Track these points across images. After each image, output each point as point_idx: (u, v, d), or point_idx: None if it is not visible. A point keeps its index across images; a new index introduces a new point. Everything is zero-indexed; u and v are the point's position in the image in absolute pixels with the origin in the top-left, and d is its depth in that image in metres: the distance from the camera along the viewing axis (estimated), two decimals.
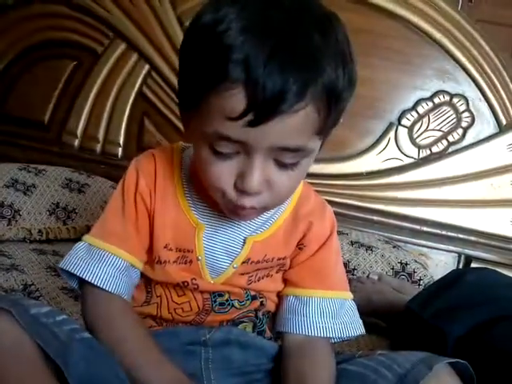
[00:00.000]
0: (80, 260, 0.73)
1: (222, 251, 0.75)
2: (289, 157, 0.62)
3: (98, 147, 1.86)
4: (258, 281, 0.79)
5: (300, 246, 0.78)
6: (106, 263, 0.73)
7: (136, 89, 1.85)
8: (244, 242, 0.75)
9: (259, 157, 0.61)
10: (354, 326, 0.79)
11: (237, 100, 0.57)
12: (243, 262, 0.75)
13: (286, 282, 0.81)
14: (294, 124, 0.59)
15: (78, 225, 1.47)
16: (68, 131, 1.86)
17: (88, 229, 1.42)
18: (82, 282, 0.74)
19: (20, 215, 1.40)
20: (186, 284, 0.76)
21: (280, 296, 0.82)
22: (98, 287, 0.72)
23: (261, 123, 0.57)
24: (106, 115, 1.85)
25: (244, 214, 0.68)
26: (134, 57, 1.83)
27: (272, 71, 0.55)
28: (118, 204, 0.75)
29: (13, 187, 1.45)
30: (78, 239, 1.41)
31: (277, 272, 0.80)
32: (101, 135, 1.86)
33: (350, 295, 0.81)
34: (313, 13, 0.60)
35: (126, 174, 0.76)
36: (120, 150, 1.85)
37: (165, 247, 0.75)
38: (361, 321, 0.80)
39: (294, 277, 0.80)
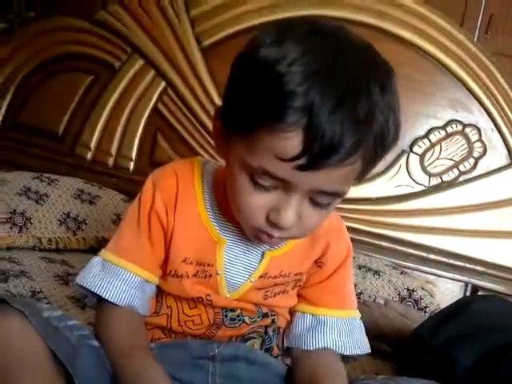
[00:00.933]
0: (94, 276, 0.74)
1: (241, 265, 0.76)
2: (325, 199, 0.64)
3: (111, 161, 1.87)
4: (274, 296, 0.79)
5: (319, 263, 0.80)
6: (120, 279, 0.73)
7: (151, 105, 1.86)
8: (262, 257, 0.76)
9: (298, 195, 0.62)
10: (364, 344, 0.81)
11: (292, 143, 0.57)
12: (260, 277, 0.76)
13: (301, 299, 0.82)
14: (342, 174, 0.60)
15: (88, 236, 1.48)
16: (81, 143, 1.88)
17: (97, 240, 1.46)
18: (99, 298, 0.75)
19: (31, 223, 1.41)
20: (200, 299, 0.76)
21: (294, 313, 0.82)
22: (112, 303, 0.73)
23: (311, 169, 0.58)
24: (120, 129, 1.87)
25: (267, 241, 0.69)
26: (151, 73, 1.85)
27: (334, 122, 0.55)
28: (134, 219, 0.75)
29: (25, 195, 1.46)
30: (88, 250, 1.45)
31: (292, 288, 0.81)
32: (114, 149, 1.87)
33: (359, 314, 0.83)
34: (375, 65, 0.62)
35: (143, 189, 0.76)
36: (132, 164, 1.86)
37: (183, 261, 0.75)
38: (367, 339, 0.83)
39: (312, 296, 0.81)
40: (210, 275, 0.75)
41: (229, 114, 0.65)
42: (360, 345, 0.80)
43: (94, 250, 1.48)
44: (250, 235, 0.70)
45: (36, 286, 1.13)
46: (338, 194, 0.64)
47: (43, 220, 1.43)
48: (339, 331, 0.79)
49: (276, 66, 0.56)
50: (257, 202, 0.63)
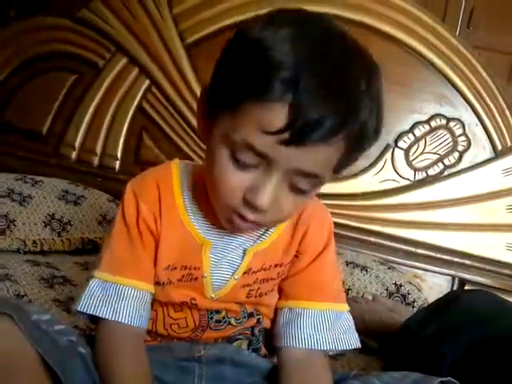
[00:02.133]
0: (98, 300, 0.72)
1: (225, 264, 0.75)
2: (304, 183, 0.63)
3: (96, 160, 1.86)
4: (260, 296, 0.78)
5: (296, 254, 0.78)
6: (125, 297, 0.72)
7: (136, 103, 1.85)
8: (244, 254, 0.75)
9: (277, 176, 0.61)
10: (349, 339, 0.77)
11: (277, 115, 0.57)
12: (244, 273, 0.75)
13: (280, 293, 0.80)
14: (323, 155, 0.60)
15: (73, 237, 1.46)
16: (66, 143, 1.86)
17: (83, 241, 1.45)
18: (99, 321, 0.72)
19: (15, 225, 1.39)
20: (185, 303, 0.75)
21: (276, 310, 0.81)
22: (118, 322, 0.71)
23: (294, 144, 0.58)
24: (104, 128, 1.86)
25: (240, 227, 0.67)
26: (135, 71, 1.84)
27: (319, 98, 0.56)
28: (123, 233, 0.74)
29: (9, 197, 1.44)
30: (73, 251, 1.44)
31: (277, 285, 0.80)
32: (99, 148, 1.86)
33: (347, 307, 0.79)
34: (363, 59, 0.62)
35: (124, 201, 0.75)
36: (117, 163, 1.86)
37: (166, 268, 0.74)
38: (357, 334, 0.79)
39: (288, 288, 0.79)
40: (196, 278, 0.75)
41: (216, 91, 0.64)
42: (344, 340, 0.76)
43: (79, 251, 1.47)
44: (223, 219, 0.68)
45: (20, 289, 1.11)
46: (316, 177, 0.63)
47: (27, 222, 1.42)
48: (317, 324, 0.75)
49: (265, 42, 0.58)
50: (235, 180, 0.62)
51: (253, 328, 0.81)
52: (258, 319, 0.80)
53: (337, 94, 0.57)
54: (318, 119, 0.56)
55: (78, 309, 0.72)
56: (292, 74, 0.56)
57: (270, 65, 0.56)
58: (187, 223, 0.74)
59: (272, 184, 0.61)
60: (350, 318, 0.79)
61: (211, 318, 0.77)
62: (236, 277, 0.75)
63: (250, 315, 0.79)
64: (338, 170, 0.66)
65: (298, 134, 0.57)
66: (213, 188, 0.66)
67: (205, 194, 0.70)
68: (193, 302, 0.75)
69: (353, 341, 0.78)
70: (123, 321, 0.71)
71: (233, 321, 0.78)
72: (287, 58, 0.56)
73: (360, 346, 0.78)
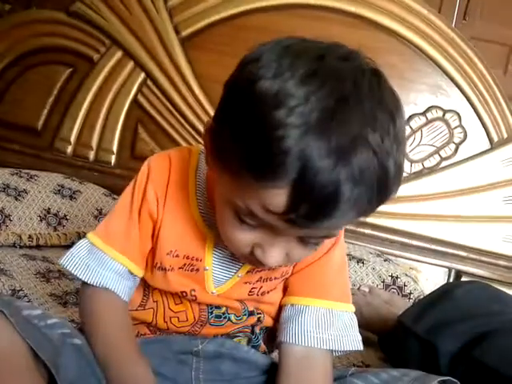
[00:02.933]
0: (80, 260, 0.73)
1: (229, 261, 0.74)
2: (316, 240, 0.61)
3: (92, 154, 1.85)
4: (263, 294, 0.77)
5: None
6: (106, 267, 0.72)
7: (131, 97, 1.84)
8: None
9: (285, 238, 0.59)
10: (350, 340, 0.75)
11: (280, 198, 0.52)
12: (248, 271, 0.74)
13: (285, 290, 0.79)
14: (336, 224, 0.56)
15: (69, 231, 1.46)
16: (61, 137, 1.86)
17: (79, 235, 1.44)
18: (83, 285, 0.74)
19: (11, 220, 1.39)
20: (184, 294, 0.74)
21: (280, 308, 0.80)
22: (97, 287, 0.72)
23: (298, 226, 0.54)
24: (100, 122, 1.85)
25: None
26: (130, 65, 1.83)
27: (325, 184, 0.50)
28: (126, 205, 0.73)
29: (4, 192, 1.44)
30: (69, 246, 1.43)
31: (281, 283, 0.79)
32: (94, 142, 1.85)
33: (352, 308, 0.77)
34: (381, 108, 0.54)
35: (139, 174, 0.74)
36: (113, 157, 1.85)
37: (168, 254, 0.73)
38: (360, 336, 0.76)
39: (291, 285, 0.78)
40: (198, 269, 0.74)
41: (217, 144, 0.59)
42: (345, 340, 0.74)
43: None
44: (239, 257, 0.69)
45: (16, 284, 1.11)
46: (328, 237, 0.62)
47: (23, 216, 1.42)
48: (318, 322, 0.74)
49: (273, 112, 0.50)
50: (242, 238, 0.60)
51: (253, 326, 0.80)
52: (259, 318, 0.79)
53: (345, 175, 0.50)
54: (321, 207, 0.51)
55: (61, 262, 0.73)
56: (298, 159, 0.49)
57: (276, 148, 0.50)
58: (195, 213, 0.73)
59: (279, 245, 0.59)
60: (354, 318, 0.77)
61: (211, 313, 0.76)
62: (239, 274, 0.74)
63: (251, 313, 0.78)
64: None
65: (304, 217, 0.52)
66: (222, 235, 0.65)
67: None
68: (192, 293, 0.74)
69: (355, 342, 0.75)
70: (102, 283, 0.71)
71: (233, 317, 0.77)
72: (295, 142, 0.49)
73: (362, 349, 0.76)
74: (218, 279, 0.75)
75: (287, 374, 0.73)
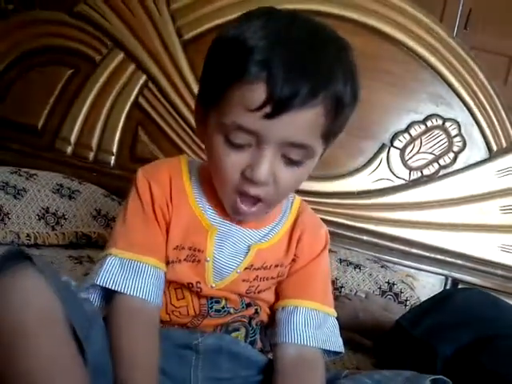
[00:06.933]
0: (114, 275, 0.73)
1: (229, 255, 0.78)
2: (295, 153, 0.68)
3: (91, 155, 1.85)
4: (259, 293, 0.81)
5: (294, 257, 0.82)
6: (142, 273, 0.73)
7: (132, 99, 1.85)
8: (249, 249, 0.79)
9: (270, 150, 0.67)
10: (335, 342, 0.81)
11: (257, 94, 0.64)
12: (246, 268, 0.78)
13: (276, 294, 0.84)
14: (304, 121, 0.66)
15: (67, 231, 1.46)
16: (61, 138, 1.86)
17: (77, 235, 1.44)
18: (115, 297, 0.73)
19: (9, 218, 1.39)
20: (190, 286, 0.77)
21: (272, 309, 0.84)
22: (135, 297, 0.72)
23: (276, 115, 0.64)
24: (100, 123, 1.85)
25: (244, 212, 0.72)
26: (132, 67, 1.84)
27: (291, 71, 0.63)
28: (138, 212, 0.77)
29: (3, 190, 1.44)
30: (66, 245, 1.43)
31: (274, 284, 0.83)
32: (94, 143, 1.85)
33: (334, 313, 0.83)
34: (332, 37, 0.70)
35: (137, 183, 0.78)
36: (113, 158, 1.85)
37: (175, 248, 0.77)
38: (341, 340, 0.83)
39: (281, 290, 0.83)
40: (199, 260, 0.77)
41: (203, 90, 0.73)
42: (331, 341, 0.80)
43: (73, 245, 1.47)
44: (229, 206, 0.74)
45: None
46: (306, 147, 0.68)
47: (21, 215, 1.42)
48: (308, 322, 0.79)
49: (241, 35, 0.66)
50: (232, 161, 0.69)
51: (250, 318, 0.83)
52: (256, 309, 0.83)
53: (307, 66, 0.65)
54: (292, 89, 0.63)
55: (97, 282, 0.72)
56: (264, 55, 0.64)
57: (244, 51, 0.64)
58: (196, 210, 0.78)
59: (266, 158, 0.67)
60: (336, 323, 0.83)
61: (211, 308, 0.79)
62: (238, 270, 0.78)
63: (248, 305, 0.82)
64: (327, 139, 0.71)
65: (277, 105, 0.64)
66: (215, 175, 0.73)
67: (211, 187, 0.76)
68: (198, 285, 0.77)
69: (338, 344, 0.82)
70: (141, 295, 0.72)
71: (232, 310, 0.81)
72: (259, 43, 0.64)
73: (343, 351, 0.82)
74: (219, 273, 0.78)
75: (282, 372, 0.76)
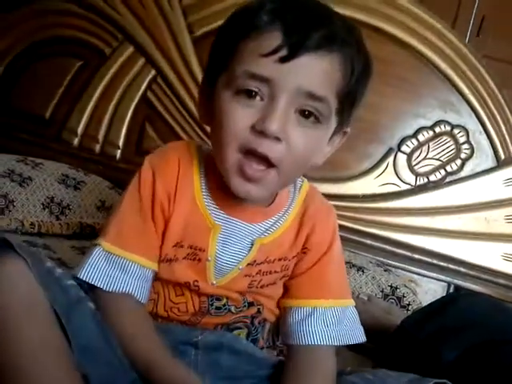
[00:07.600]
0: (100, 271, 0.71)
1: (231, 253, 0.75)
2: (310, 106, 0.65)
3: (97, 147, 1.84)
4: (262, 287, 0.79)
5: (304, 250, 0.79)
6: (128, 272, 0.71)
7: (140, 93, 1.84)
8: (252, 245, 0.76)
9: (283, 101, 0.64)
10: (356, 334, 0.80)
11: (271, 40, 0.63)
12: (248, 264, 0.76)
13: (288, 292, 0.81)
14: (320, 69, 0.65)
15: (71, 221, 1.45)
16: (68, 129, 1.85)
17: (81, 226, 1.43)
18: (98, 292, 0.72)
19: (14, 206, 1.39)
20: (187, 284, 0.75)
21: (283, 309, 0.81)
22: (120, 293, 0.71)
23: (291, 58, 0.63)
24: (107, 116, 1.85)
25: (250, 174, 0.66)
26: (141, 61, 1.83)
27: (306, 19, 0.65)
28: (135, 206, 0.73)
29: (9, 178, 1.43)
30: (70, 235, 1.42)
31: (281, 279, 0.80)
32: (101, 136, 1.85)
33: (352, 302, 0.81)
34: (339, 15, 0.70)
35: (141, 174, 0.74)
36: (119, 152, 1.84)
37: (175, 245, 0.74)
38: (362, 328, 0.81)
39: (295, 288, 0.80)
40: (200, 259, 0.75)
41: (213, 57, 0.72)
42: (351, 334, 0.79)
43: (76, 235, 1.46)
44: (233, 173, 0.67)
45: None
46: (321, 100, 0.65)
47: (26, 203, 1.41)
48: (327, 321, 0.77)
49: (251, 4, 0.68)
50: (241, 115, 0.65)
51: (253, 318, 0.81)
52: (259, 309, 0.81)
53: (322, 16, 0.66)
54: (306, 31, 0.63)
55: (80, 276, 0.71)
56: (277, 4, 0.66)
57: (257, 4, 0.66)
58: (200, 204, 0.75)
59: (279, 108, 0.64)
60: (355, 312, 0.81)
61: (211, 305, 0.77)
62: (240, 267, 0.76)
63: (251, 304, 0.80)
64: (342, 101, 0.68)
65: (291, 47, 0.63)
66: (218, 138, 0.67)
67: (216, 177, 0.72)
68: (195, 283, 0.75)
69: (358, 335, 0.80)
70: (125, 290, 0.70)
71: (233, 309, 0.79)
72: (269, 3, 0.66)
73: (365, 340, 0.81)
74: (220, 270, 0.76)
75: (294, 370, 0.74)
